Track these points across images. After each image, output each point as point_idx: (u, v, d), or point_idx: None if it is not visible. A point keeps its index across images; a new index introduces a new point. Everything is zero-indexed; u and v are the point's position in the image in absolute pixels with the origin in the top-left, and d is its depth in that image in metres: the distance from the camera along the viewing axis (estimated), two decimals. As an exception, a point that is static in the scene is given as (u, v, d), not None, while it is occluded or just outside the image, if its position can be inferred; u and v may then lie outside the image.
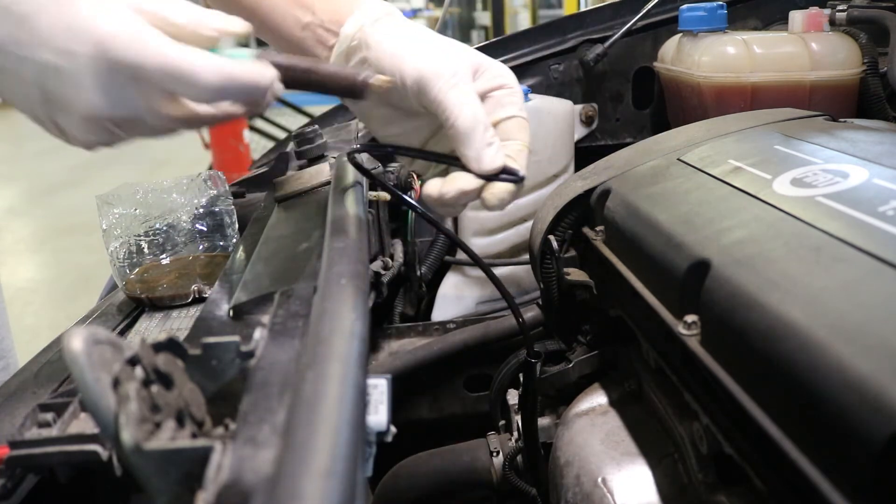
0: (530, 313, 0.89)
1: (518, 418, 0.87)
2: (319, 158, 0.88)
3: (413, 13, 8.59)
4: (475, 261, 0.72)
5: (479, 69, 0.60)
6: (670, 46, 1.18)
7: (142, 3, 0.49)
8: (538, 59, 1.25)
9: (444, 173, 0.62)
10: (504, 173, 0.59)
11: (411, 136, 0.65)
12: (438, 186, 0.60)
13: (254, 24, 0.68)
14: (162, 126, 0.52)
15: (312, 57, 0.65)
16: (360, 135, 1.11)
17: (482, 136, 0.58)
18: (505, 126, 0.61)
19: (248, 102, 0.54)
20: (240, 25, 0.54)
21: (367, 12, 0.63)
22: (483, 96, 0.60)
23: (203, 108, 0.53)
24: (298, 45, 0.66)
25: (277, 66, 0.54)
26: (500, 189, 0.59)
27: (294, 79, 0.56)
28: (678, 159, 0.72)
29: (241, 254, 0.69)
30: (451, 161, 0.61)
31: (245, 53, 0.53)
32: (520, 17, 7.96)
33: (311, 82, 0.57)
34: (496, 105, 0.60)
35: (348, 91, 0.58)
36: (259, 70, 0.52)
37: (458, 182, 0.59)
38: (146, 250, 0.78)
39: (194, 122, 0.53)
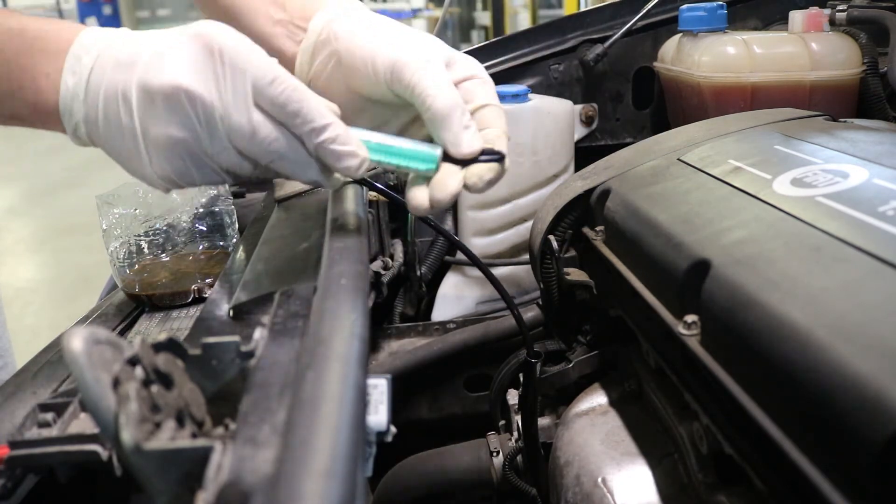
0: (530, 313, 0.89)
1: (518, 418, 0.87)
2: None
3: (413, 13, 8.60)
4: (475, 262, 0.72)
5: (450, 61, 0.59)
6: (670, 46, 1.18)
7: None
8: (538, 59, 1.25)
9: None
10: (483, 155, 0.57)
11: (385, 128, 0.63)
12: (426, 196, 0.58)
13: (229, 19, 0.67)
14: (238, 133, 0.52)
15: (278, 51, 0.64)
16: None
17: (460, 118, 0.56)
18: (481, 114, 0.59)
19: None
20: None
21: (335, 7, 0.63)
22: (456, 86, 0.58)
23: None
24: (270, 41, 0.66)
25: None
26: (481, 168, 0.57)
27: None
28: (678, 159, 0.72)
29: (241, 254, 0.69)
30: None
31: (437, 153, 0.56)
32: (520, 17, 7.96)
33: None
34: (469, 94, 0.59)
35: None
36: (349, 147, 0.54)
37: (448, 187, 0.57)
38: (146, 250, 0.78)
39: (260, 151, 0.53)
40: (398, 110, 0.61)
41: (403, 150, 0.56)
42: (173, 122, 0.50)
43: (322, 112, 0.52)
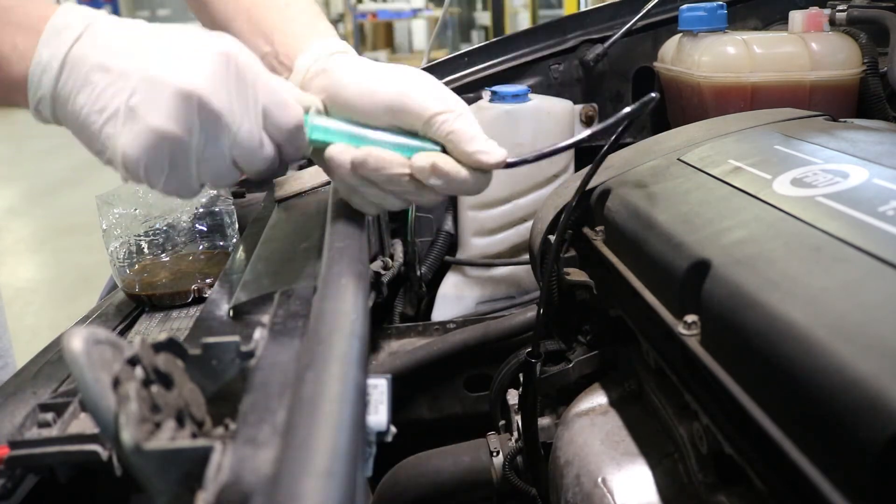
0: (530, 313, 0.89)
1: (518, 418, 0.87)
2: (319, 158, 0.87)
3: (413, 13, 8.59)
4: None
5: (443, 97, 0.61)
6: (670, 46, 1.18)
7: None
8: (538, 59, 1.25)
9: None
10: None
11: None
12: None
13: None
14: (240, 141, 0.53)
15: None
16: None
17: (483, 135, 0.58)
18: None
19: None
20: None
21: (324, 47, 0.64)
22: None
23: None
24: None
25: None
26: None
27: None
28: (678, 159, 0.72)
29: (241, 254, 0.69)
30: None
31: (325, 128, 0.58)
32: (520, 17, 7.96)
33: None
34: None
35: None
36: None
37: (460, 172, 0.58)
38: (146, 250, 0.78)
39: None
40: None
41: (395, 143, 0.58)
42: (174, 118, 0.50)
43: None
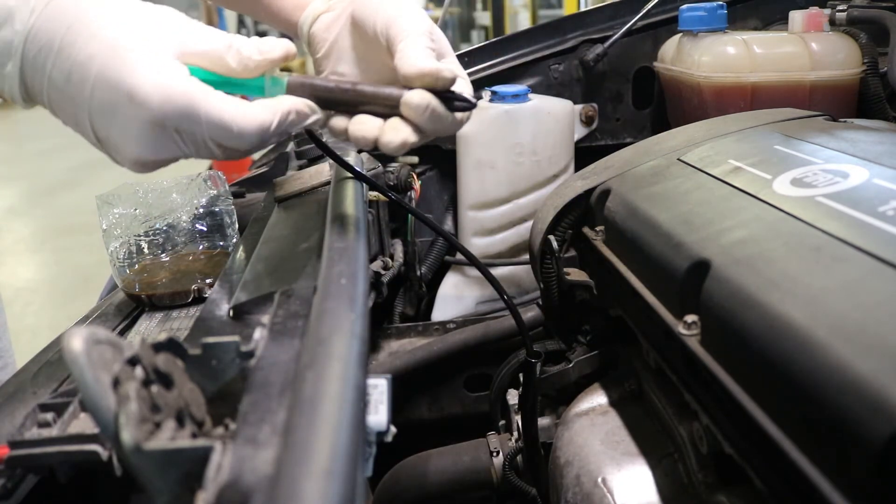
0: (530, 313, 0.89)
1: (518, 418, 0.87)
2: (319, 158, 0.88)
3: (413, 13, 8.58)
4: (474, 262, 0.72)
5: (434, 35, 0.60)
6: (670, 46, 1.18)
7: (186, 45, 0.53)
8: (538, 59, 1.25)
9: None
10: (450, 94, 0.56)
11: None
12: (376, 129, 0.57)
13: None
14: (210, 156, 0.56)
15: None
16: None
17: (425, 41, 0.57)
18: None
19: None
20: (280, 50, 0.56)
21: None
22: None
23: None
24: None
25: (313, 87, 0.56)
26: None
27: (331, 100, 0.57)
28: (678, 159, 0.72)
29: (241, 254, 0.69)
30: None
31: (283, 80, 0.56)
32: (520, 17, 7.96)
33: (348, 101, 0.57)
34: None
35: (389, 106, 0.57)
36: (296, 108, 0.55)
37: (399, 134, 0.56)
38: (146, 250, 0.78)
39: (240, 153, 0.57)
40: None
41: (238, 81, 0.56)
42: (141, 164, 0.54)
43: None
